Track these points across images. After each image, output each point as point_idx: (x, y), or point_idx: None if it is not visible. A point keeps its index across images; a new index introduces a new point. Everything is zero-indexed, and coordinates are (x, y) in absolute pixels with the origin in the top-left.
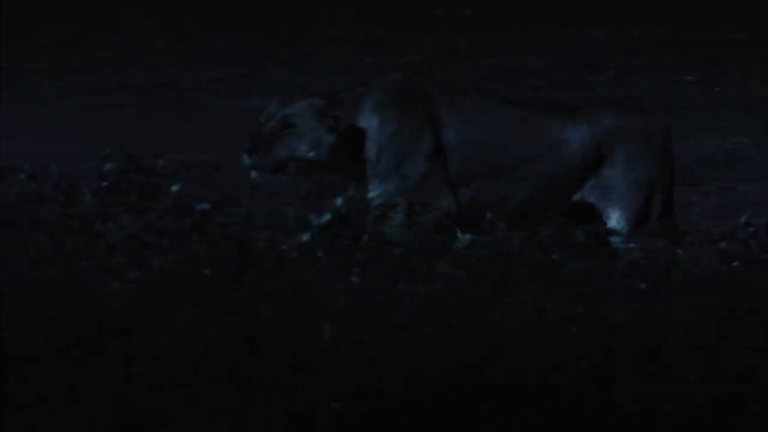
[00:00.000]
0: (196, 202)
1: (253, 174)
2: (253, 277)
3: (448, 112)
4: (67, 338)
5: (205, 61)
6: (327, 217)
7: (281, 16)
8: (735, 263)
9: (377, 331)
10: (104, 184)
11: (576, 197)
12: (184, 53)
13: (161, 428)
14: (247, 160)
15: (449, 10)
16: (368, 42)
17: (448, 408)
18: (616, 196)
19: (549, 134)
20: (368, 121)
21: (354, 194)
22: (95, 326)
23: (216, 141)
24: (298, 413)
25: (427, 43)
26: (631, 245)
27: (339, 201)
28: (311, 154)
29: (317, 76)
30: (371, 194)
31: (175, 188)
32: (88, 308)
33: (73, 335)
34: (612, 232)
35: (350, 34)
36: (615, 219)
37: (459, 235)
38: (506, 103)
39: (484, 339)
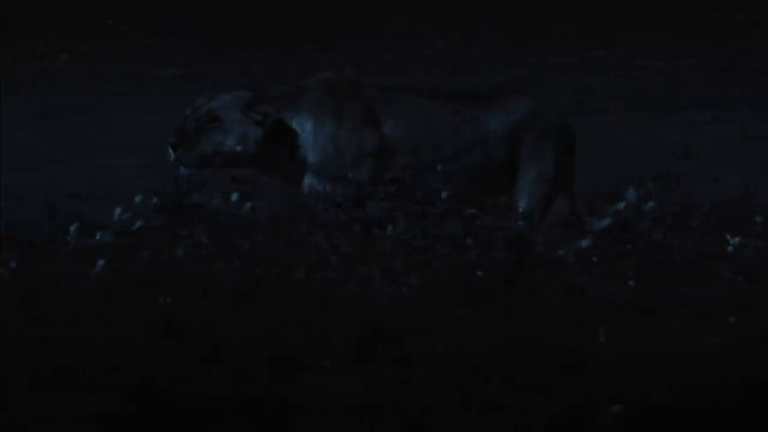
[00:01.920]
0: (469, 207)
1: (181, 169)
2: (528, 281)
3: (385, 109)
4: (344, 342)
5: (484, 65)
6: (606, 221)
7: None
8: None
9: (653, 334)
10: (380, 188)
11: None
12: (465, 56)
13: (437, 430)
14: (171, 154)
15: (727, 13)
16: (643, 43)
17: (724, 410)
18: (523, 186)
19: (476, 127)
20: (302, 124)
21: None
22: (372, 330)
23: None
24: (572, 414)
25: (704, 47)
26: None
27: (620, 206)
28: (238, 148)
29: (592, 76)
30: (309, 190)
31: (445, 195)
32: (365, 312)
33: (351, 339)
34: (520, 218)
35: (629, 36)
36: (521, 207)
37: (730, 239)
38: (436, 97)
39: (761, 341)
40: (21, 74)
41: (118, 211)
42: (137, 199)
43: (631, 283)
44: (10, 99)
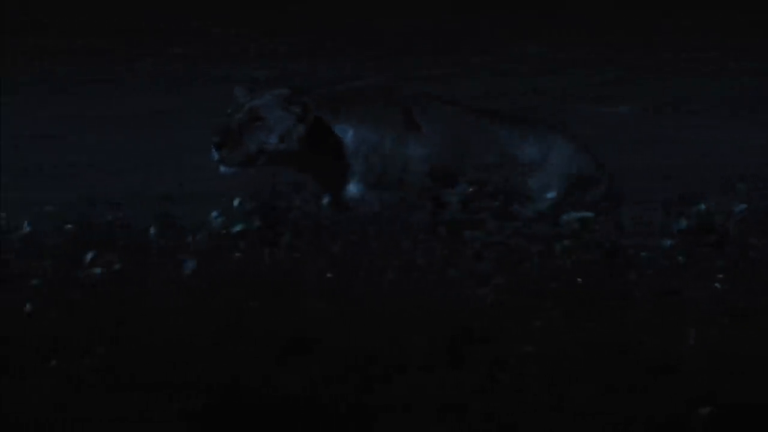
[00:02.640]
0: (564, 211)
1: (222, 169)
2: (617, 283)
3: (422, 114)
4: (433, 344)
5: (578, 67)
6: (684, 223)
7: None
8: None
9: (742, 337)
10: (470, 190)
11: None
12: (559, 59)
13: None
14: (215, 154)
15: None
16: (737, 45)
17: None
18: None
19: (505, 147)
20: (343, 132)
21: (319, 189)
22: (461, 332)
23: None
24: (662, 417)
25: None
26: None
27: (702, 206)
28: (281, 146)
29: (671, 81)
30: (354, 196)
31: (551, 195)
32: (455, 314)
33: (440, 341)
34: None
35: (722, 38)
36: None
37: None
38: (470, 112)
39: None
40: (110, 77)
41: (214, 214)
42: (235, 202)
43: (720, 285)
44: (99, 102)
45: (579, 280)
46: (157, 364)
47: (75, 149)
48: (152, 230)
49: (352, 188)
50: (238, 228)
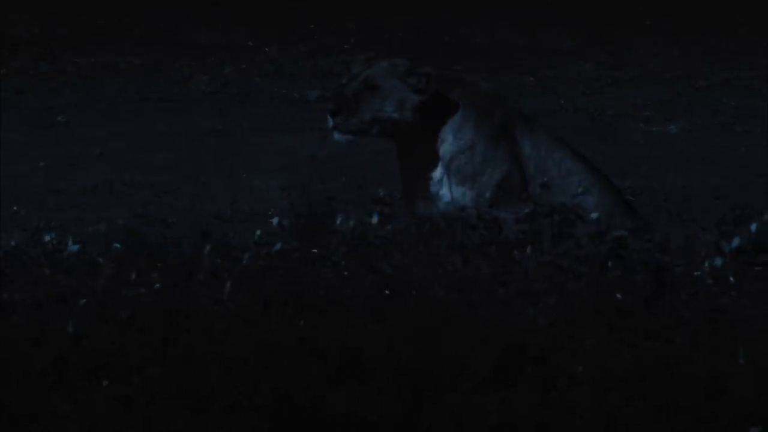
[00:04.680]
0: (613, 229)
1: (336, 136)
2: (668, 303)
3: (522, 135)
4: (483, 363)
5: (629, 86)
6: (737, 242)
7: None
8: None
9: None
10: (525, 210)
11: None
12: (610, 77)
13: None
14: (330, 121)
15: None
16: None
17: None
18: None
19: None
20: (445, 127)
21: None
22: (512, 351)
23: (631, 166)
24: None
25: None
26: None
27: (753, 226)
28: (395, 115)
29: (722, 99)
30: (439, 180)
31: (594, 216)
32: (505, 333)
33: (490, 360)
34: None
35: None
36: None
37: None
38: (567, 149)
39: None
40: (164, 96)
41: (258, 233)
42: (275, 221)
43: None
44: (153, 121)
45: (627, 299)
46: (206, 383)
47: (129, 168)
48: (202, 249)
49: (438, 173)
50: (279, 246)
